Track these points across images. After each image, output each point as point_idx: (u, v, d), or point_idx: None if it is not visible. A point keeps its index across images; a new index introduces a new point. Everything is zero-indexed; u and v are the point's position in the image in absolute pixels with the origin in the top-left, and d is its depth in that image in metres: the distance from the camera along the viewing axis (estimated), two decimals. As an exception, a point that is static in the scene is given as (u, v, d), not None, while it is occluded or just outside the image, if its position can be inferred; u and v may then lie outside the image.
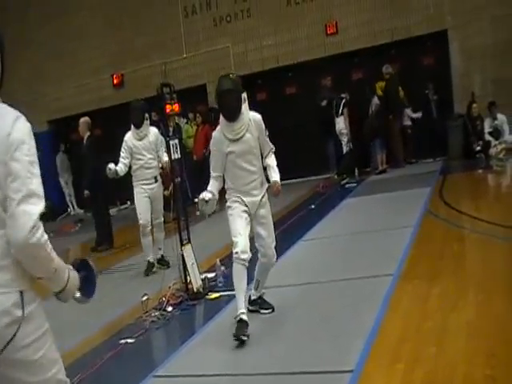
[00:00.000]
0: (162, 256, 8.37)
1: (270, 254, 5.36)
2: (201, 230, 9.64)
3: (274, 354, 4.62)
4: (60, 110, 18.77)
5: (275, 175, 5.33)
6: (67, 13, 18.47)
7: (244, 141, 5.16)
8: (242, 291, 5.04)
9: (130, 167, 8.10)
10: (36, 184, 2.22)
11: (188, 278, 6.57)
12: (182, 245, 6.70)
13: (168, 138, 6.93)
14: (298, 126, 16.02)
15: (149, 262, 8.20)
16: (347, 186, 13.34)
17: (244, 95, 5.19)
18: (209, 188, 5.23)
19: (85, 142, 10.93)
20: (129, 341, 5.58)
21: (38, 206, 2.20)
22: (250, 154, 5.22)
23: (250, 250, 5.13)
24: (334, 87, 14.68)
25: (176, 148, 6.94)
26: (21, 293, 2.22)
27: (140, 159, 8.06)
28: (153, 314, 6.14)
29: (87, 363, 5.15)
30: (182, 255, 6.64)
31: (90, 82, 18.15)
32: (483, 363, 3.79)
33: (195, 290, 6.55)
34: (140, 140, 8.05)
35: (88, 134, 10.89)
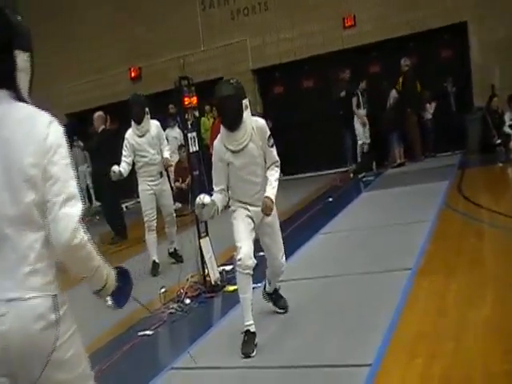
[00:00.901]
0: (175, 250, 8.31)
1: (276, 264, 5.14)
2: (218, 223, 9.64)
3: (290, 347, 4.64)
4: (77, 104, 18.85)
5: (270, 190, 4.79)
6: (83, 6, 18.54)
7: (246, 151, 4.80)
8: (248, 302, 4.76)
9: (133, 164, 7.87)
10: (74, 186, 2.24)
11: (206, 270, 6.60)
12: (199, 237, 6.72)
13: (186, 131, 6.94)
14: (315, 119, 15.98)
15: (154, 262, 7.99)
16: (365, 179, 13.33)
17: (246, 102, 4.77)
18: (212, 197, 4.88)
19: (99, 135, 10.98)
20: (147, 333, 5.62)
21: (77, 208, 2.22)
22: (254, 165, 4.86)
23: (256, 256, 4.92)
24: (352, 80, 14.62)
25: (194, 141, 6.95)
26: (54, 296, 2.25)
27: (144, 156, 7.82)
28: (171, 307, 6.17)
29: (106, 355, 5.18)
30: (200, 248, 6.66)
31: (107, 75, 18.22)
32: (501, 358, 3.79)
33: (213, 282, 6.57)
34: (142, 136, 7.79)
35: (102, 127, 10.93)
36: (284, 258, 5.19)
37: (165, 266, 8.14)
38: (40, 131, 2.26)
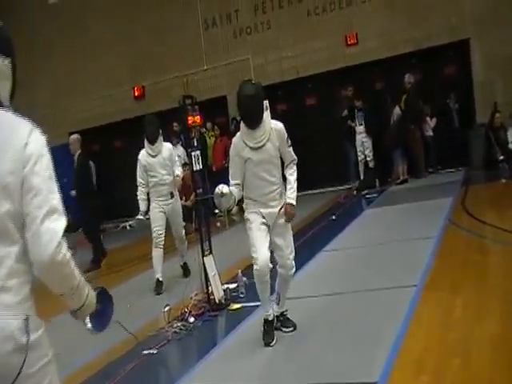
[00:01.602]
0: (185, 264, 8.42)
1: (288, 264, 5.18)
2: (222, 241, 9.66)
3: (296, 365, 4.61)
4: (81, 122, 18.90)
5: (291, 195, 5.10)
6: (86, 25, 18.67)
7: (264, 150, 4.98)
8: (266, 297, 5.06)
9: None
10: (57, 199, 2.12)
11: (210, 288, 6.58)
12: (203, 255, 6.71)
13: (190, 150, 6.95)
14: (318, 137, 16.02)
15: (158, 280, 7.95)
16: (368, 196, 13.33)
17: (266, 103, 5.03)
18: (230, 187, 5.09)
19: (76, 159, 10.88)
20: (152, 351, 5.59)
21: (60, 222, 2.10)
22: (270, 164, 5.04)
23: (271, 262, 5.05)
24: (355, 97, 14.67)
25: (198, 159, 6.96)
26: (26, 318, 2.07)
27: (155, 176, 7.99)
28: (175, 325, 6.14)
29: (110, 374, 5.18)
30: (204, 266, 6.65)
31: (111, 94, 18.30)
32: (508, 374, 3.77)
33: (217, 300, 6.56)
34: (154, 157, 7.97)
35: (79, 151, 10.83)
36: (293, 261, 5.25)
37: (169, 283, 8.12)
38: (19, 138, 2.11)
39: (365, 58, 15.39)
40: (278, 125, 5.12)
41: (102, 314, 2.44)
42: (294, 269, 5.30)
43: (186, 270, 8.43)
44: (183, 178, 13.42)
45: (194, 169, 6.97)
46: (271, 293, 5.22)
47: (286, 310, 5.47)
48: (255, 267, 4.91)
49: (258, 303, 5.74)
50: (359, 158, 14.67)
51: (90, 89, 18.78)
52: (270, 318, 5.12)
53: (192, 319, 6.23)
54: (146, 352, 5.59)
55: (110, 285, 9.06)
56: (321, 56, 15.91)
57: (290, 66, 16.35)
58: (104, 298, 2.47)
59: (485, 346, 4.25)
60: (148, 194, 8.12)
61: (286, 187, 5.18)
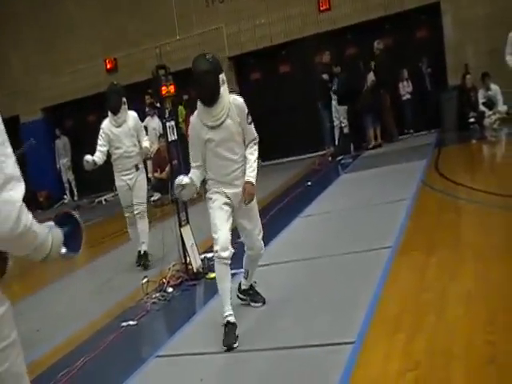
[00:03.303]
0: (145, 252, 7.75)
1: (257, 245, 5.03)
2: (199, 211, 9.63)
3: (274, 329, 4.66)
4: (54, 97, 18.74)
5: (250, 173, 4.73)
6: (56, 0, 18.38)
7: (224, 127, 4.67)
8: (226, 292, 4.69)
9: (109, 155, 7.59)
10: (12, 166, 1.95)
11: (187, 258, 6.60)
12: (180, 226, 6.71)
13: (164, 120, 6.89)
14: (293, 104, 16.02)
15: (139, 252, 7.73)
16: (343, 161, 13.39)
17: (222, 76, 4.65)
18: (189, 175, 4.86)
19: None
20: (131, 323, 5.60)
21: (18, 191, 1.94)
22: (232, 141, 4.72)
23: (235, 243, 4.86)
24: (333, 63, 14.69)
25: (173, 130, 6.91)
26: None
27: (119, 147, 7.51)
28: (153, 296, 6.17)
29: (91, 346, 5.20)
30: (181, 236, 6.66)
31: (83, 68, 18.07)
32: (483, 330, 3.84)
33: (195, 270, 6.58)
34: (118, 127, 7.49)
35: None
36: (262, 241, 5.11)
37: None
38: None
39: (338, 24, 15.34)
40: (238, 99, 4.76)
41: (72, 236, 2.35)
42: (263, 249, 5.14)
43: (145, 260, 7.70)
44: (158, 150, 13.45)
45: (169, 139, 6.92)
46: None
47: (255, 282, 5.36)
48: (215, 248, 4.65)
49: (234, 271, 5.80)
50: (334, 124, 14.73)
51: (62, 63, 18.56)
52: (232, 320, 4.66)
53: (170, 289, 6.26)
54: (125, 324, 5.60)
55: (88, 259, 9.12)
56: (294, 23, 15.82)
57: (264, 34, 16.23)
58: (68, 219, 2.38)
59: (460, 304, 4.32)
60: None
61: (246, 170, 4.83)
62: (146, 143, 7.71)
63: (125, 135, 7.52)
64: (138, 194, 7.69)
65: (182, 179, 4.77)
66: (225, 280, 4.71)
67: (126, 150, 7.53)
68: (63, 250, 2.31)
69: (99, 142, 7.50)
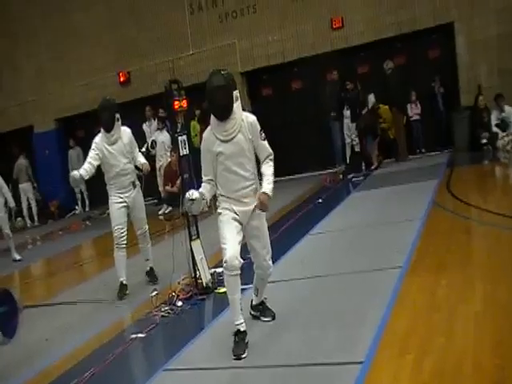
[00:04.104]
0: (151, 268, 7.73)
1: (264, 265, 5.06)
2: (209, 225, 9.64)
3: (283, 347, 4.66)
4: (67, 108, 18.88)
5: (266, 186, 4.75)
6: (70, 11, 18.61)
7: (235, 142, 4.75)
8: (236, 302, 4.72)
9: (98, 169, 7.28)
10: None
11: (197, 272, 6.62)
12: (190, 240, 6.74)
13: (176, 135, 6.93)
14: (305, 120, 16.07)
15: (121, 283, 7.33)
16: (354, 179, 13.39)
17: (236, 93, 4.77)
18: (200, 189, 4.89)
19: None
20: (139, 335, 5.62)
21: None
22: (242, 157, 4.78)
23: (245, 260, 4.85)
24: (340, 81, 14.77)
25: (184, 144, 6.95)
26: None
27: (115, 165, 7.21)
28: (163, 309, 6.19)
29: (99, 358, 5.20)
30: (191, 250, 6.68)
31: (97, 79, 18.21)
32: (492, 352, 3.83)
33: (204, 284, 6.60)
34: (113, 144, 7.19)
35: None
36: (271, 260, 5.13)
37: (157, 269, 8.12)
38: None
39: (350, 42, 15.42)
40: (250, 117, 4.86)
41: (7, 319, 2.15)
42: (272, 268, 5.19)
43: (152, 277, 7.68)
44: (169, 163, 13.53)
45: (181, 154, 6.96)
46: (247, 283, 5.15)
47: (265, 298, 5.40)
48: (224, 259, 4.66)
49: (244, 286, 5.80)
50: (346, 141, 14.79)
51: (75, 75, 18.70)
52: (242, 329, 4.73)
53: (180, 303, 6.27)
54: (134, 336, 5.62)
55: (98, 270, 9.16)
56: (307, 40, 15.90)
57: (276, 50, 16.31)
58: (6, 299, 2.21)
59: (469, 325, 4.31)
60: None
61: (262, 183, 4.86)
62: (142, 159, 7.51)
63: (120, 152, 7.26)
64: (139, 214, 7.56)
65: (192, 193, 4.79)
66: (235, 291, 4.73)
67: (123, 167, 7.28)
68: None
69: (90, 153, 7.22)
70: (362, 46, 15.32)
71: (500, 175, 11.71)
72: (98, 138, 7.27)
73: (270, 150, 4.90)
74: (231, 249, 4.67)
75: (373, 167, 14.27)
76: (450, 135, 14.25)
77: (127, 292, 7.32)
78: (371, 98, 14.34)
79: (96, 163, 7.18)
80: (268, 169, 4.84)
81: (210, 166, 4.89)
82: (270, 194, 4.73)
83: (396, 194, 10.38)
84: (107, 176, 7.33)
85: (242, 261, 4.71)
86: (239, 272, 4.70)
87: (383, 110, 14.33)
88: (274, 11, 16.20)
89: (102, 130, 7.29)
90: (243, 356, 4.57)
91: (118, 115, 7.23)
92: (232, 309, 4.79)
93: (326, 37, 15.74)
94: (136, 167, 7.49)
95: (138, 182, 7.52)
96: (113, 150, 7.21)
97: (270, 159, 4.89)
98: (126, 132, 7.36)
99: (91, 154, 7.20)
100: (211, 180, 4.92)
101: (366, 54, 15.57)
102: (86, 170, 7.09)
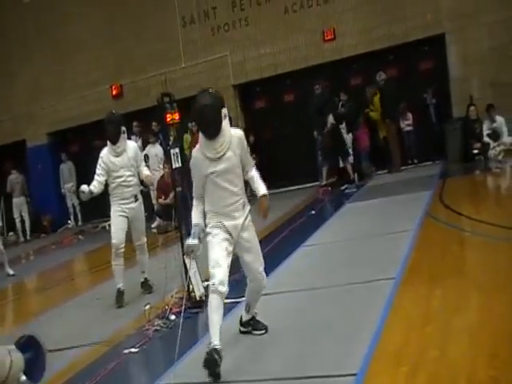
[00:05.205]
0: (146, 279, 7.84)
1: (258, 278, 5.04)
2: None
3: (277, 360, 4.63)
4: (59, 122, 18.86)
5: (262, 187, 4.94)
6: (64, 24, 18.67)
7: (225, 159, 4.78)
8: (217, 323, 4.58)
9: (106, 185, 7.48)
10: None
11: (190, 286, 6.58)
12: (183, 253, 6.70)
13: (169, 148, 6.92)
14: (297, 132, 16.11)
15: (118, 290, 7.47)
16: (347, 191, 13.41)
17: (225, 111, 4.78)
18: (194, 219, 4.92)
19: None
20: (132, 350, 5.58)
21: None
22: (232, 174, 4.83)
23: (236, 273, 4.90)
24: (341, 90, 14.87)
25: (177, 157, 6.94)
26: None
27: (118, 177, 7.40)
28: (156, 323, 6.16)
29: (92, 373, 5.15)
30: (184, 263, 6.64)
31: (89, 93, 18.23)
32: (486, 364, 3.80)
33: (198, 297, 6.56)
34: (118, 156, 7.42)
35: None
36: (264, 272, 5.11)
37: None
38: None
39: (342, 54, 15.51)
40: (238, 132, 4.95)
41: (34, 363, 2.23)
42: (266, 280, 5.16)
43: (147, 287, 7.82)
44: (163, 176, 13.50)
45: (174, 166, 6.95)
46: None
47: (256, 313, 5.35)
48: (212, 282, 4.64)
49: (237, 300, 5.79)
50: (350, 159, 14.75)
51: (68, 89, 18.74)
52: (217, 347, 4.49)
53: (173, 317, 6.22)
54: (126, 351, 5.58)
55: (91, 284, 9.10)
56: (299, 52, 15.97)
57: (269, 63, 16.38)
58: (33, 344, 2.29)
59: (463, 338, 4.30)
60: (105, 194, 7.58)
61: (254, 188, 5.03)
62: (146, 171, 7.71)
63: (124, 165, 7.44)
64: (139, 227, 7.71)
65: (191, 242, 4.81)
66: (217, 311, 4.63)
67: (126, 179, 7.43)
68: (23, 378, 2.20)
69: (97, 170, 7.41)
70: (354, 58, 15.40)
71: (492, 185, 11.75)
72: (104, 151, 7.50)
73: (253, 161, 5.12)
74: (220, 274, 4.65)
75: (351, 178, 14.34)
76: (442, 146, 14.31)
77: (124, 299, 7.46)
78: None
79: (103, 179, 7.39)
80: (256, 174, 5.02)
81: (200, 185, 4.93)
82: (267, 193, 4.95)
83: (389, 205, 10.39)
84: (110, 186, 7.50)
85: (227, 289, 4.68)
86: (224, 296, 4.69)
87: (375, 99, 14.50)
88: (266, 24, 16.29)
89: (108, 142, 7.50)
90: (217, 371, 4.45)
91: (123, 128, 7.48)
92: (210, 329, 4.64)
93: (318, 49, 15.82)
94: (141, 182, 7.72)
95: (140, 196, 7.69)
96: (117, 162, 7.41)
97: (253, 167, 5.06)
98: (131, 145, 7.62)
99: (97, 170, 7.41)
100: (202, 196, 4.95)
101: (358, 65, 15.66)
102: (94, 186, 7.31)
